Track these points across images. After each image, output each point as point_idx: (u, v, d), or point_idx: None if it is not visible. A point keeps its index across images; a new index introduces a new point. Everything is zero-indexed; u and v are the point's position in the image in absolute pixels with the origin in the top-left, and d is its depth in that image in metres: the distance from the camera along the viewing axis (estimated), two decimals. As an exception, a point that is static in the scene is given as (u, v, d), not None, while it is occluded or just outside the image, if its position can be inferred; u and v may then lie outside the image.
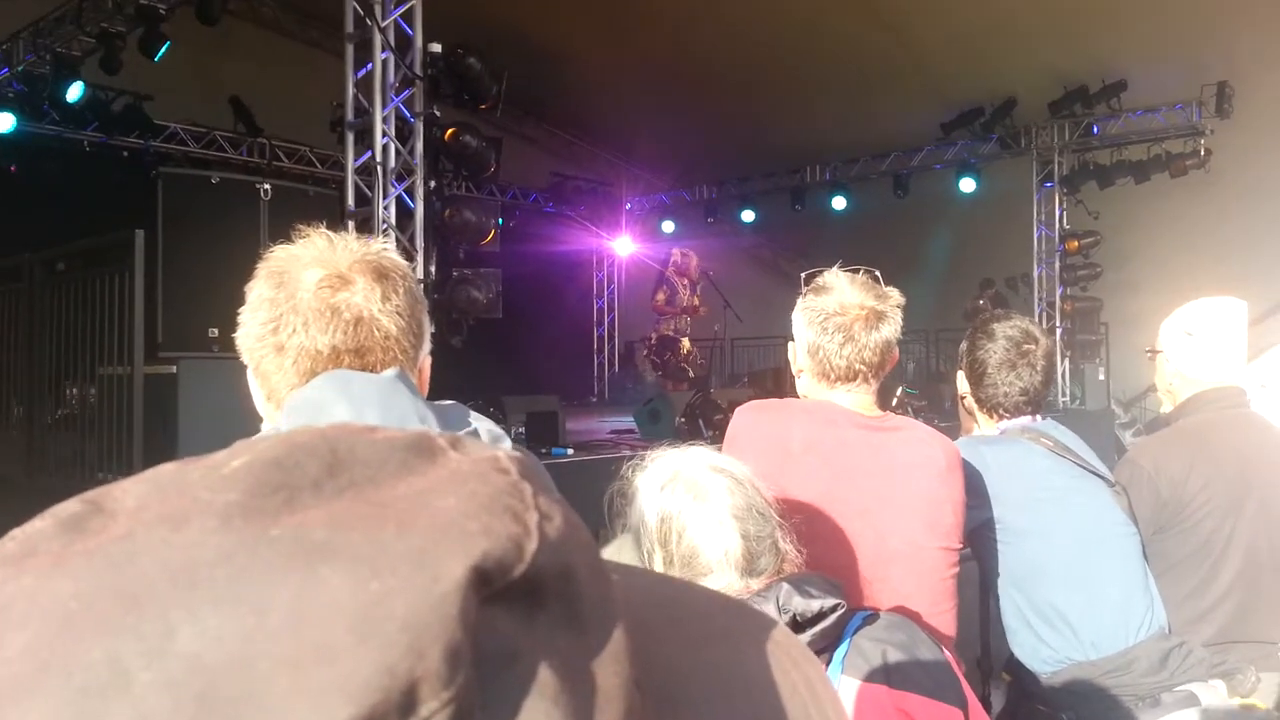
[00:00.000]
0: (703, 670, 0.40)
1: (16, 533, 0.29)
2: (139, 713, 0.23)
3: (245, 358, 1.23)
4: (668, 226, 15.42)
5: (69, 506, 0.30)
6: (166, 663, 0.24)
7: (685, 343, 10.44)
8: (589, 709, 0.28)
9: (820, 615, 1.32)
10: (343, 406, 1.10)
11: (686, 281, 10.43)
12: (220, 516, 0.28)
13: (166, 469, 0.31)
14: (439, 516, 0.29)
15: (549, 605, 0.29)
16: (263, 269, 1.22)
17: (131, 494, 0.30)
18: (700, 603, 0.47)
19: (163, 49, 8.20)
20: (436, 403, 1.22)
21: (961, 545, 1.96)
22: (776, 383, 9.55)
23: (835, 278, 1.94)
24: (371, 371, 1.18)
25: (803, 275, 2.00)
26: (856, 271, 1.96)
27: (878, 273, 1.97)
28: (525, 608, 0.29)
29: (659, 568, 1.43)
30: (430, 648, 0.25)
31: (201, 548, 0.27)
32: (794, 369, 2.04)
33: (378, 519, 0.28)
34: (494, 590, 0.28)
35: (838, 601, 1.34)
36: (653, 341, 10.53)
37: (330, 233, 1.24)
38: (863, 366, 1.91)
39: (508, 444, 1.22)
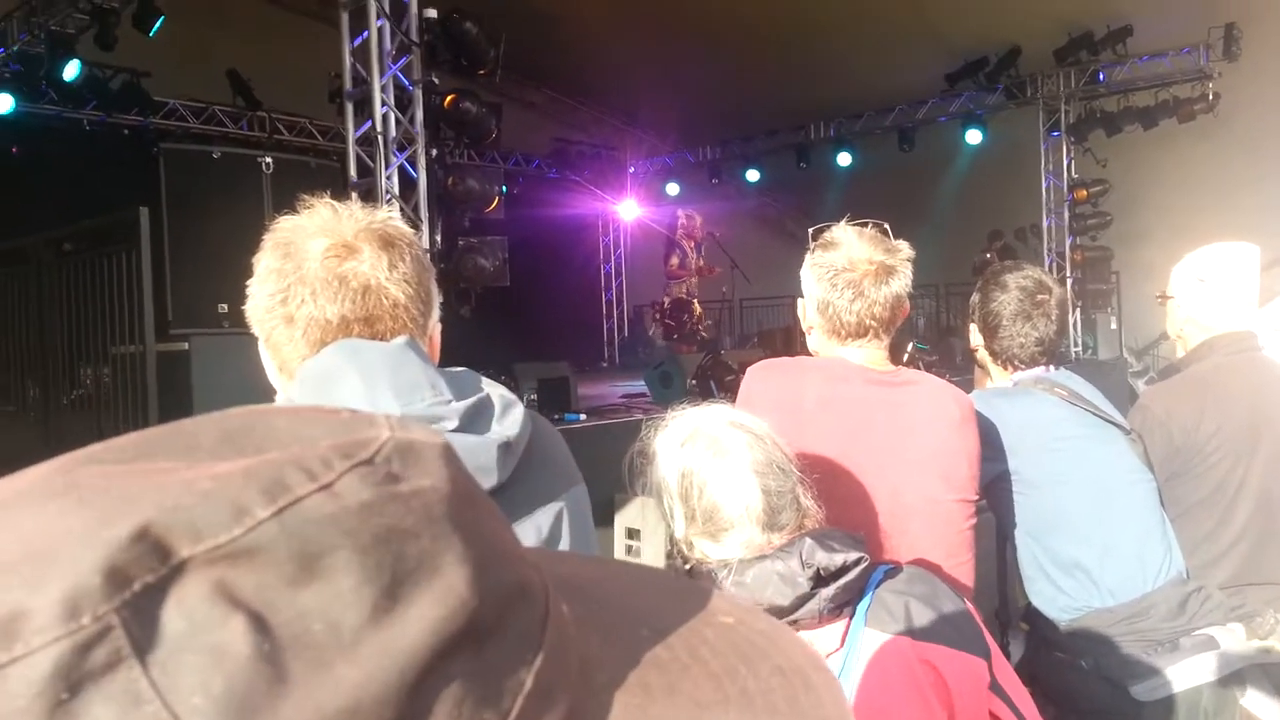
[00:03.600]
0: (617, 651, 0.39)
1: None
2: None
3: (256, 329, 1.23)
4: (672, 189, 15.33)
5: None
6: None
7: (696, 305, 10.42)
8: (278, 696, 0.28)
9: (844, 569, 1.33)
10: (353, 375, 1.10)
11: (692, 243, 10.38)
12: (75, 459, 0.32)
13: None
14: (181, 476, 0.30)
15: (308, 583, 0.29)
16: (269, 240, 1.21)
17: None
18: (625, 583, 0.45)
19: (157, 23, 8.14)
20: (447, 369, 1.22)
21: (978, 497, 1.95)
22: (786, 342, 9.53)
23: (843, 233, 1.92)
24: (381, 340, 1.18)
25: (810, 231, 1.98)
26: (865, 225, 1.93)
27: (887, 226, 1.95)
28: (271, 578, 0.29)
29: (680, 524, 1.43)
30: (49, 584, 0.27)
31: (28, 478, 0.31)
32: (804, 326, 2.03)
33: (140, 475, 0.30)
34: (208, 554, 0.28)
35: (860, 555, 1.34)
36: (665, 305, 10.50)
37: (335, 202, 1.24)
38: (873, 322, 1.89)
39: (520, 409, 1.22)
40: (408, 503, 0.32)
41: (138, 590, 0.27)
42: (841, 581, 1.33)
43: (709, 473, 1.39)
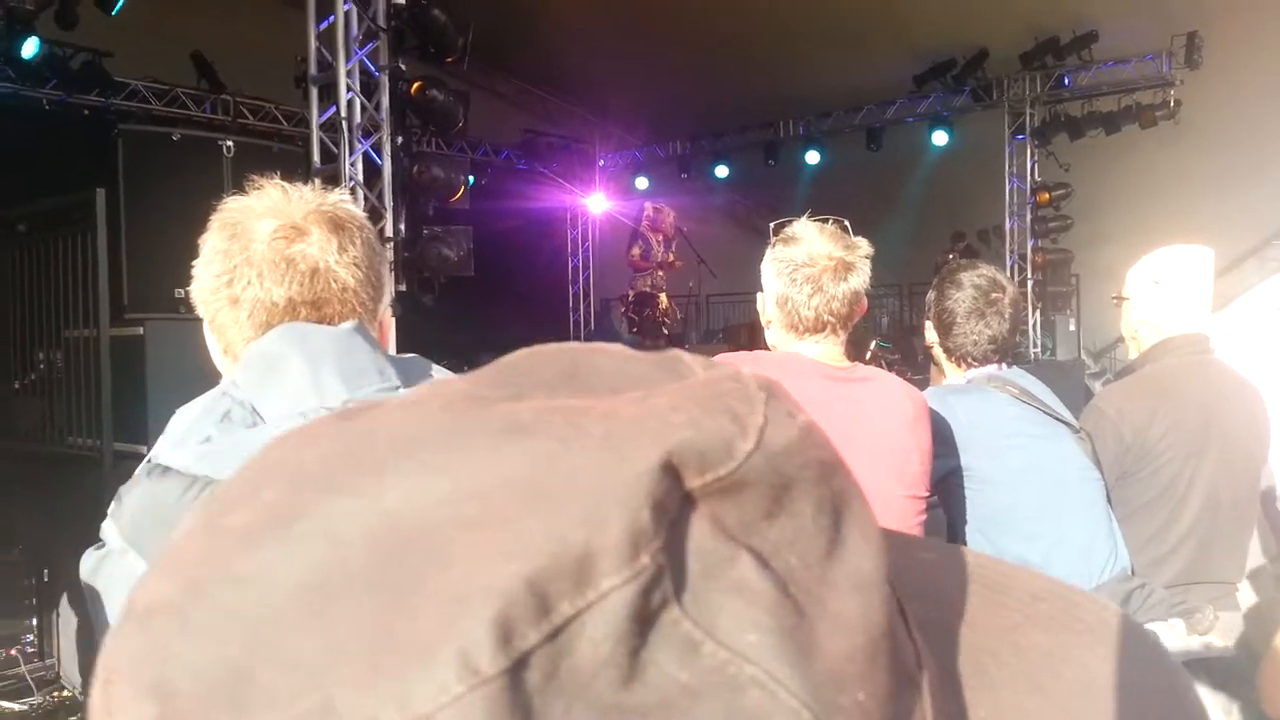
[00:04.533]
0: (1017, 654, 0.38)
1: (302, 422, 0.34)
2: (338, 556, 0.26)
3: (200, 310, 1.22)
4: (641, 183, 15.32)
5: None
6: (369, 518, 0.26)
7: (663, 298, 10.40)
8: (809, 630, 0.27)
9: None
10: (299, 359, 1.09)
11: (661, 237, 10.36)
12: (446, 400, 0.31)
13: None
14: (645, 409, 0.29)
15: (777, 516, 0.28)
16: (216, 220, 1.19)
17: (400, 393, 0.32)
18: (1029, 586, 0.44)
19: (120, 2, 7.99)
20: (398, 355, 1.21)
21: (929, 493, 1.98)
22: (752, 337, 9.58)
23: (804, 228, 1.93)
24: (329, 324, 1.17)
25: (771, 226, 1.99)
26: (825, 221, 1.95)
27: (846, 223, 1.96)
28: (750, 512, 0.28)
29: None
30: (610, 523, 0.25)
31: (424, 423, 0.30)
32: (763, 320, 2.04)
33: (585, 409, 0.29)
34: (707, 487, 0.27)
35: None
36: (630, 299, 10.48)
37: (285, 184, 1.22)
38: (831, 318, 1.91)
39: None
40: (818, 437, 0.31)
41: (668, 526, 0.26)
42: None
43: None
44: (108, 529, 1.11)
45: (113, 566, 1.10)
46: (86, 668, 4.34)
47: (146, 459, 1.11)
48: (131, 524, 1.09)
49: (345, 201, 1.25)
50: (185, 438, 1.07)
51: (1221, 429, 2.35)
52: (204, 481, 1.05)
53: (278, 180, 1.22)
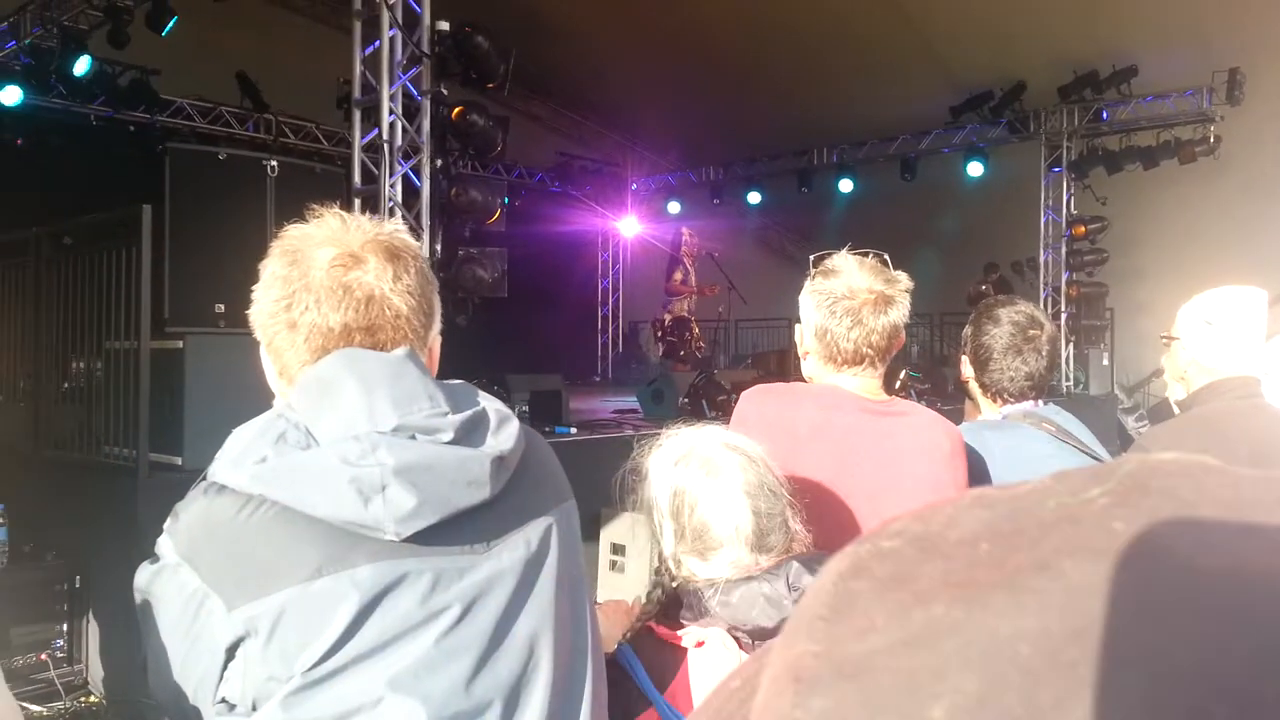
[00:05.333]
0: None
1: (859, 555, 0.28)
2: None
3: (258, 334, 1.25)
4: (673, 207, 15.39)
5: (903, 526, 0.29)
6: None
7: (694, 324, 10.45)
8: None
9: None
10: (353, 383, 1.12)
11: (692, 260, 10.42)
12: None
13: (988, 494, 0.29)
14: None
15: None
16: (276, 247, 1.23)
17: (967, 522, 0.28)
18: None
19: (170, 23, 8.18)
20: (445, 381, 1.23)
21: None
22: (780, 364, 9.56)
23: (844, 261, 1.94)
24: (382, 350, 1.20)
25: (811, 258, 2.00)
26: (865, 254, 1.96)
27: (886, 256, 1.97)
28: None
29: (670, 541, 1.43)
30: None
31: (1145, 585, 0.23)
32: (800, 351, 2.05)
33: None
34: None
35: None
36: (666, 322, 10.51)
37: (343, 213, 1.26)
38: (870, 350, 1.91)
39: (515, 424, 1.23)
40: None
41: None
42: None
43: (700, 492, 1.40)
44: (163, 544, 1.14)
45: (167, 580, 1.13)
46: (122, 675, 4.39)
47: (202, 476, 1.14)
48: (188, 540, 1.12)
49: (401, 231, 1.28)
50: (242, 457, 1.10)
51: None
52: (258, 500, 1.08)
53: (336, 209, 1.25)
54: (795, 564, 1.34)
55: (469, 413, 1.17)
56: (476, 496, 1.13)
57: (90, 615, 4.63)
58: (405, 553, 1.09)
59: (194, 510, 1.12)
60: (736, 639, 1.37)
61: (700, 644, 1.38)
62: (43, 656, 4.50)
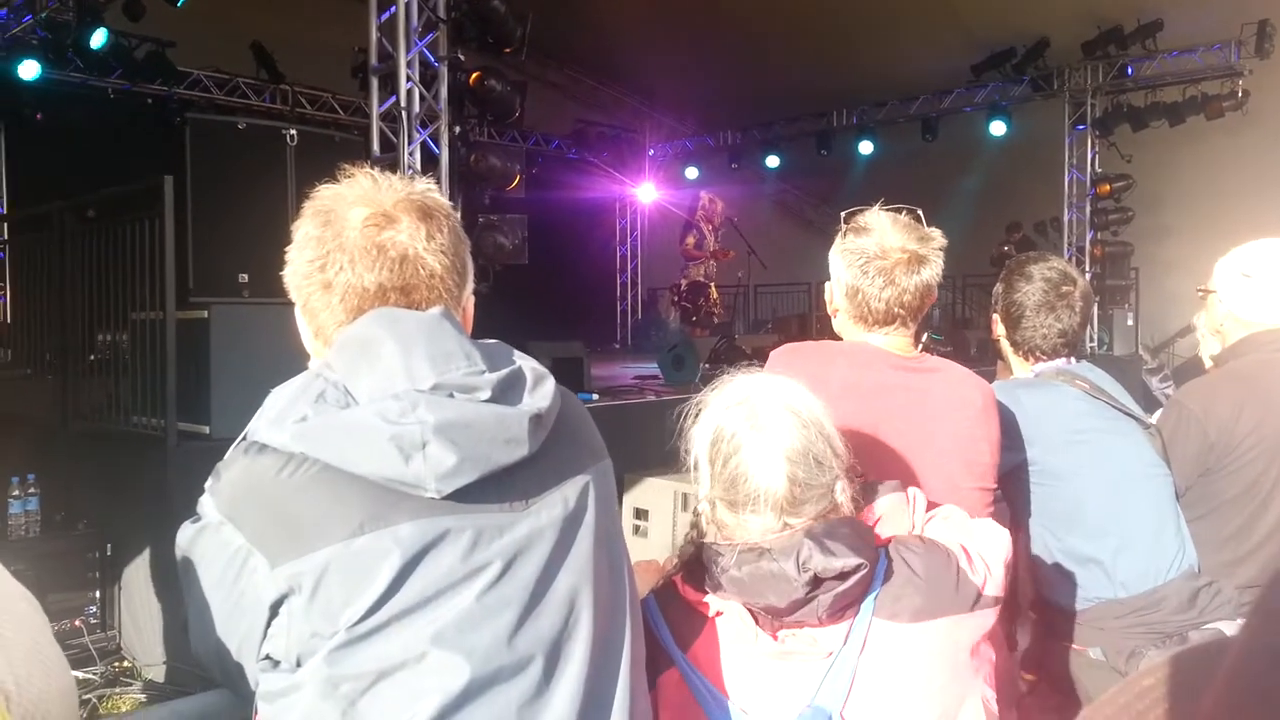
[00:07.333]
0: None
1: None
2: None
3: (293, 295, 1.25)
4: (691, 173, 15.29)
5: None
6: None
7: (713, 289, 10.39)
8: None
9: (842, 575, 1.29)
10: (391, 343, 1.12)
11: (710, 226, 10.34)
12: None
13: None
14: None
15: None
16: (309, 207, 1.22)
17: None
18: None
19: (185, -6, 8.15)
20: (481, 340, 1.23)
21: (995, 486, 1.96)
22: (801, 328, 9.51)
23: (876, 218, 1.91)
24: (417, 309, 1.19)
25: (843, 215, 1.97)
26: (899, 210, 1.93)
27: (920, 212, 1.94)
28: None
29: (706, 481, 1.41)
30: None
31: None
32: (829, 309, 2.03)
33: None
34: None
35: (860, 562, 1.30)
36: (683, 288, 10.47)
37: (375, 172, 1.25)
38: (901, 310, 1.89)
39: (551, 382, 1.23)
40: None
41: None
42: (839, 589, 1.29)
43: (741, 441, 1.37)
44: (205, 503, 1.15)
45: (209, 539, 1.14)
46: (153, 640, 4.46)
47: (242, 436, 1.14)
48: (230, 498, 1.12)
49: (433, 190, 1.27)
50: (282, 416, 1.10)
51: None
52: (299, 459, 1.08)
53: (368, 169, 1.24)
54: (807, 542, 1.30)
55: (505, 371, 1.17)
56: (515, 454, 1.12)
57: (121, 582, 4.70)
58: (445, 510, 1.09)
59: (236, 469, 1.12)
60: (752, 614, 1.36)
61: (719, 614, 1.38)
62: (76, 623, 4.58)
